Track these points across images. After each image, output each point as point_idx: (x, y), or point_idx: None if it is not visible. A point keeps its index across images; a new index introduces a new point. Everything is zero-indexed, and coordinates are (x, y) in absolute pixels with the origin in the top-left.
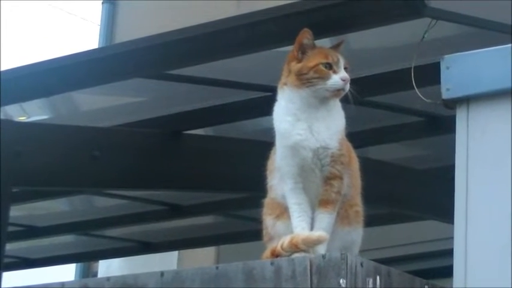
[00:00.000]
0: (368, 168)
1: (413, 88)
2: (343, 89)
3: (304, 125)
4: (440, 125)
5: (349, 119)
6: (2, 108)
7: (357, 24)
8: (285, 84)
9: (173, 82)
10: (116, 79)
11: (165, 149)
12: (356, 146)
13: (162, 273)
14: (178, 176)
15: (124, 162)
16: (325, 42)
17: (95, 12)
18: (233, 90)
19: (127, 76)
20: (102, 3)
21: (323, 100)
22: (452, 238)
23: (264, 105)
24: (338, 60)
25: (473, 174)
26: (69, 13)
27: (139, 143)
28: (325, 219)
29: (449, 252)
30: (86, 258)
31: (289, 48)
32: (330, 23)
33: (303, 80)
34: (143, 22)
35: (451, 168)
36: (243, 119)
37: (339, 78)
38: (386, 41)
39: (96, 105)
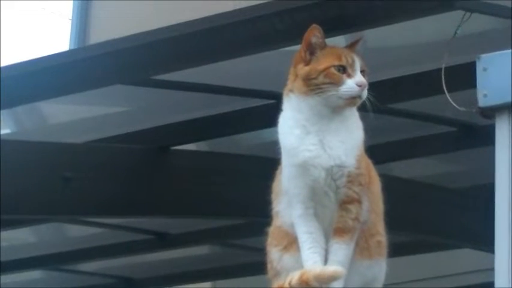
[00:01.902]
0: (392, 188)
1: (444, 93)
2: (359, 96)
3: (314, 139)
4: (476, 136)
5: (368, 130)
6: None
7: (377, 19)
8: (291, 90)
9: (160, 89)
10: (91, 86)
11: (150, 168)
12: (377, 163)
13: None
14: (166, 200)
15: (101, 184)
16: (339, 41)
17: (66, 4)
18: (230, 98)
19: (105, 83)
20: None
21: (336, 109)
22: (492, 270)
23: (267, 115)
24: (353, 61)
25: None
26: (35, 5)
27: (119, 162)
28: (341, 250)
29: (489, 287)
30: None
31: (297, 48)
32: (345, 18)
33: (312, 85)
34: (124, 18)
35: (490, 187)
36: (243, 132)
37: (354, 83)
38: (412, 38)
39: (67, 117)
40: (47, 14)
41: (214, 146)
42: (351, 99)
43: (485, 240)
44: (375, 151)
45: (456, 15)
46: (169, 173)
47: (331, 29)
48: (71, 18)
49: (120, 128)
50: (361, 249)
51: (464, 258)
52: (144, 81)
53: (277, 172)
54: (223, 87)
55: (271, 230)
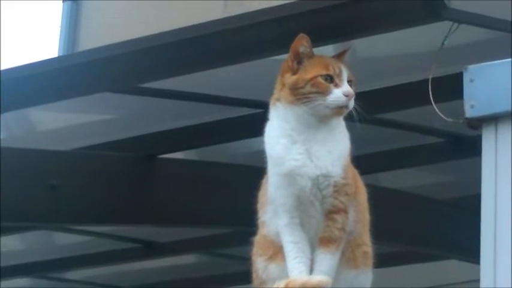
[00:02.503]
0: (378, 198)
1: (431, 104)
2: (346, 106)
3: (301, 148)
4: (463, 147)
5: (355, 140)
6: None
7: (365, 29)
8: (278, 100)
9: (148, 97)
10: (79, 93)
11: (138, 176)
12: (364, 173)
13: None
14: (153, 208)
15: (88, 192)
16: (327, 50)
17: (55, 11)
18: (218, 107)
19: (93, 90)
20: (63, 1)
21: (323, 119)
22: (478, 281)
23: (254, 124)
24: (340, 71)
25: (502, 205)
26: (23, 10)
27: (107, 170)
28: (326, 260)
29: None
30: None
31: (284, 57)
32: (333, 27)
33: (299, 95)
34: (112, 25)
35: (477, 198)
36: (230, 141)
37: (341, 93)
38: (400, 48)
39: (55, 124)
40: (35, 20)
41: (201, 155)
42: (338, 109)
43: (472, 251)
44: (362, 161)
45: (444, 25)
46: (156, 182)
47: (319, 38)
48: (60, 25)
49: (108, 135)
50: (347, 260)
51: (451, 269)
52: (132, 89)
53: (263, 181)
54: (211, 96)
55: (257, 239)
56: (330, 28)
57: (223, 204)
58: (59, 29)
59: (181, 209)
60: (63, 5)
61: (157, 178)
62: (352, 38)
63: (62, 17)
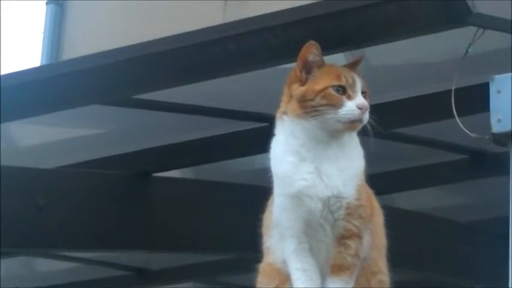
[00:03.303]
0: (395, 221)
1: (454, 117)
2: (360, 120)
3: (310, 166)
4: (487, 165)
5: (369, 157)
6: None
7: (380, 35)
8: (285, 113)
9: (141, 110)
10: (65, 106)
11: (130, 197)
12: (379, 193)
13: None
14: (147, 232)
15: (77, 214)
16: (338, 59)
17: (38, 14)
18: (219, 121)
19: (80, 102)
20: (47, 3)
21: (335, 134)
22: None
23: (258, 139)
24: (354, 82)
25: None
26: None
27: (96, 189)
28: None
29: None
30: None
31: (291, 66)
32: (345, 34)
33: (308, 107)
34: (101, 31)
35: (502, 221)
36: (232, 158)
37: (354, 105)
38: (418, 56)
39: (39, 140)
40: (17, 24)
41: (200, 173)
42: (351, 123)
43: (495, 280)
44: (377, 180)
45: (468, 31)
46: (150, 202)
47: (329, 46)
48: (43, 30)
49: (97, 152)
50: None
51: None
52: (124, 101)
53: (269, 203)
54: (211, 108)
55: (262, 267)
56: (341, 35)
57: (224, 227)
58: (42, 34)
59: (177, 233)
60: (46, 8)
61: (152, 198)
62: (365, 46)
63: (45, 22)
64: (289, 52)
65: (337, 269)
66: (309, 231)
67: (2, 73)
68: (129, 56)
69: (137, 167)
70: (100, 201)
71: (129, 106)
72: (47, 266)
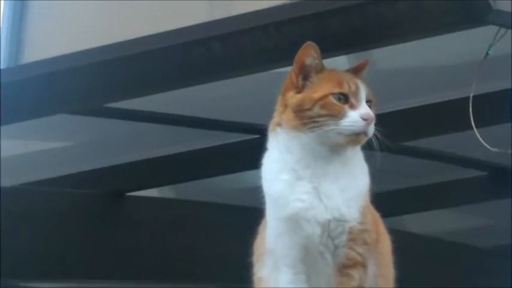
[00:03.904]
0: (405, 247)
1: (472, 128)
2: (364, 132)
3: (307, 186)
4: (510, 182)
5: (375, 175)
6: None
7: (390, 36)
8: (279, 124)
9: (114, 120)
10: (28, 116)
11: (100, 220)
12: (387, 216)
13: None
14: (120, 259)
15: (40, 239)
16: (341, 63)
17: None
18: (202, 132)
19: (45, 111)
20: None
21: (336, 148)
22: None
23: (248, 154)
24: (357, 89)
25: None
26: None
27: (63, 211)
28: None
29: None
30: None
31: (286, 70)
32: (347, 34)
33: (305, 118)
34: (69, 30)
35: None
36: (217, 175)
37: (358, 116)
38: (432, 59)
39: None
40: None
41: (181, 192)
42: (354, 136)
43: None
44: (384, 201)
45: (488, 31)
46: (124, 226)
47: (331, 47)
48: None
49: (63, 168)
50: None
51: None
52: (95, 110)
53: (260, 227)
54: (194, 118)
55: None
56: (344, 35)
57: (208, 255)
58: None
59: (155, 261)
60: (3, 4)
61: (126, 221)
62: (372, 47)
63: (3, 20)
64: (284, 55)
65: None
66: (307, 259)
67: None
68: (101, 58)
69: (109, 185)
70: (67, 225)
71: (100, 115)
72: None
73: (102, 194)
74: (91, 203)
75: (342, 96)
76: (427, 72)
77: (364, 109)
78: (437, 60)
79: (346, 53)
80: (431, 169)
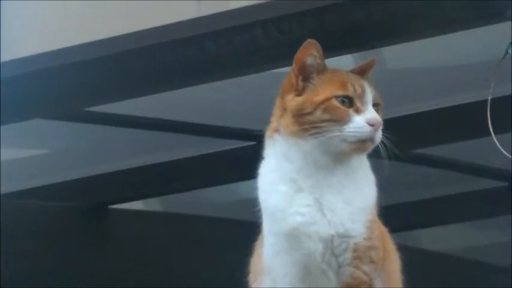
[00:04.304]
0: (417, 265)
1: (490, 135)
2: (371, 139)
3: (308, 198)
4: None
5: (384, 186)
6: None
7: (398, 32)
8: (277, 130)
9: (95, 125)
10: (0, 121)
11: (81, 235)
12: (397, 230)
13: None
14: (102, 279)
15: (14, 257)
16: (346, 62)
17: None
18: (192, 139)
19: (19, 116)
20: None
21: (340, 157)
22: None
23: (243, 163)
24: (363, 91)
25: None
26: None
27: (39, 226)
28: None
29: None
30: None
31: (285, 71)
32: (353, 31)
33: (306, 123)
34: (45, 28)
35: None
36: (208, 186)
37: (364, 121)
38: (446, 58)
39: None
40: None
41: (169, 205)
42: (360, 143)
43: None
44: (394, 214)
45: (508, 28)
46: (107, 242)
47: (334, 45)
48: None
49: (38, 178)
50: None
51: None
52: (74, 115)
53: (257, 244)
54: (183, 123)
55: None
56: (348, 31)
57: (198, 273)
58: None
59: (140, 280)
60: None
61: (109, 237)
62: (379, 46)
63: None
64: (283, 53)
65: None
66: (308, 279)
67: None
68: (81, 58)
69: (90, 198)
70: (43, 242)
71: (80, 120)
72: None
73: (83, 207)
74: (70, 217)
75: (346, 99)
76: (440, 72)
77: (370, 113)
78: (451, 59)
79: (351, 52)
80: (445, 179)
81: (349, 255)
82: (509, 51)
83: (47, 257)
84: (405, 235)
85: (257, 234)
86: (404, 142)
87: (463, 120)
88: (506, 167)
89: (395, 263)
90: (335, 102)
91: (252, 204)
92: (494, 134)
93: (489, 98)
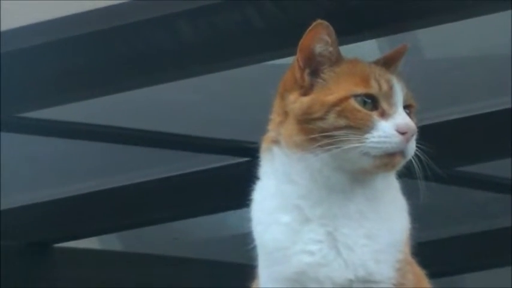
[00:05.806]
0: None
1: None
2: (402, 153)
3: (318, 231)
4: None
5: (420, 215)
6: None
7: (435, 12)
8: (276, 141)
9: (33, 136)
10: None
11: (19, 279)
12: (438, 275)
13: None
14: None
15: None
16: (368, 49)
17: None
18: (166, 154)
19: None
20: None
21: (360, 176)
22: None
23: (230, 185)
24: (392, 89)
25: None
26: None
27: None
28: None
29: None
30: None
31: (288, 62)
32: (376, 10)
33: (315, 132)
34: None
35: None
36: (186, 217)
37: (392, 128)
38: (498, 43)
39: None
40: None
41: (128, 243)
42: (387, 158)
43: None
44: (434, 253)
45: None
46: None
47: (352, 28)
48: None
49: None
50: None
51: None
52: (5, 122)
53: None
54: (153, 133)
55: None
56: (369, 11)
57: None
58: None
59: None
60: None
61: (53, 282)
62: (408, 29)
63: None
64: (284, 39)
65: None
66: None
67: None
68: (16, 46)
69: (30, 234)
70: None
71: (13, 130)
72: None
73: (21, 246)
74: (5, 258)
75: (368, 100)
76: (494, 63)
77: (401, 118)
78: (506, 44)
79: (375, 36)
80: (503, 206)
81: None
82: None
83: None
84: (450, 280)
85: (251, 279)
86: (447, 157)
87: None
88: None
89: None
90: (354, 104)
91: (242, 241)
92: None
93: None
